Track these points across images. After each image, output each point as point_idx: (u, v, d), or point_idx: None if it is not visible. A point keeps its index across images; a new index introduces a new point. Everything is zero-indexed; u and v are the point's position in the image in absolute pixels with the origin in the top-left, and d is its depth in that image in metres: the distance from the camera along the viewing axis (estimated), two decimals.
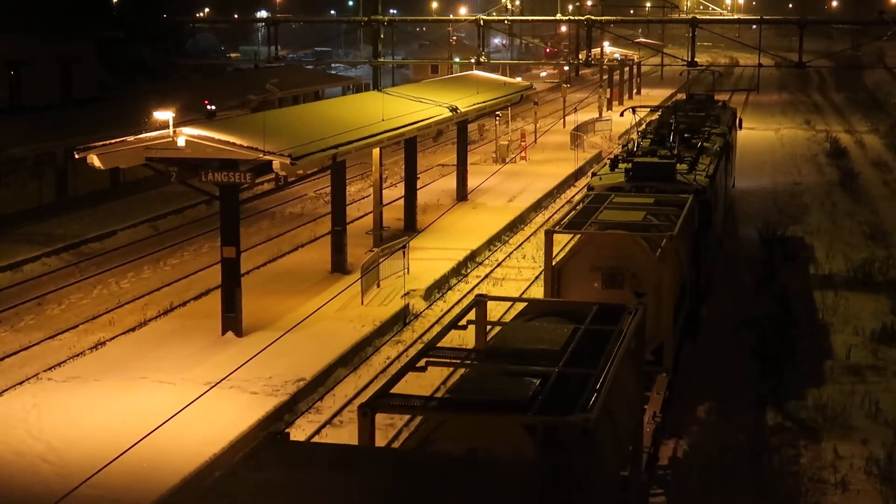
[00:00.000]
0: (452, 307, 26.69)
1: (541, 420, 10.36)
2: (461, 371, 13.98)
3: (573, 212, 20.42)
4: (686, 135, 30.66)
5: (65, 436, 18.43)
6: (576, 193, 43.29)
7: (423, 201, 37.91)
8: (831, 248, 33.22)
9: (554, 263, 18.96)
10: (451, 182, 41.76)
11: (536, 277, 28.98)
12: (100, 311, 26.44)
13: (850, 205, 41.17)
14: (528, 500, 8.41)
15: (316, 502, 8.23)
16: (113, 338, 24.07)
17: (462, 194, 40.17)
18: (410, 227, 34.46)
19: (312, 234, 34.45)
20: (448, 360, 13.17)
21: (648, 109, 42.02)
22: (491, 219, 36.41)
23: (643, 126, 34.82)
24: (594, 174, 26.38)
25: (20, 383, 21.17)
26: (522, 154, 50.67)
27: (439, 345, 12.69)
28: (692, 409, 20.36)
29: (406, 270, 28.20)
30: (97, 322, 25.46)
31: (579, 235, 19.29)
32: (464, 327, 13.46)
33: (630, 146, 28.80)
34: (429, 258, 30.29)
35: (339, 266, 29.36)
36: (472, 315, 13.56)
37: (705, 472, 17.59)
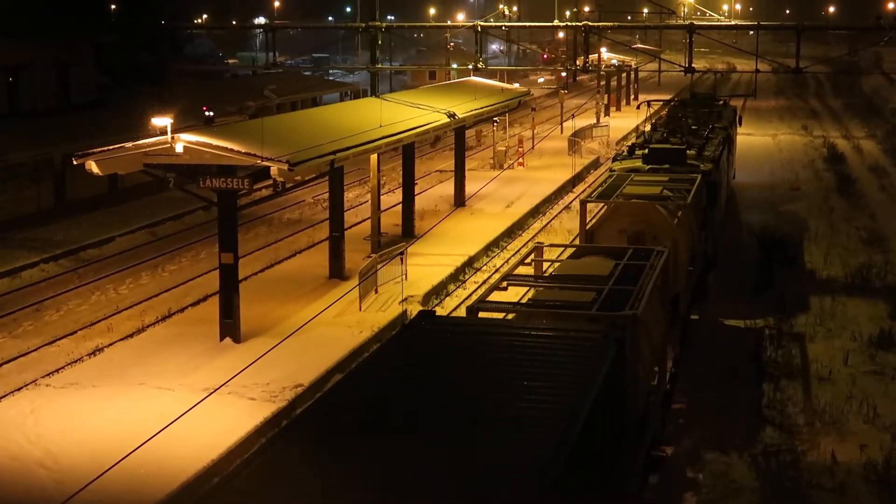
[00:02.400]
0: (451, 312, 26.69)
1: (602, 315, 14.35)
2: (533, 291, 17.71)
3: (600, 188, 24.38)
4: (693, 127, 34.82)
5: (63, 441, 18.43)
6: (573, 199, 43.36)
7: (421, 207, 37.92)
8: (829, 253, 33.25)
9: (588, 228, 22.79)
10: (448, 188, 41.78)
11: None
12: (98, 317, 26.42)
13: (848, 210, 41.21)
14: (599, 354, 12.23)
15: (467, 352, 12.30)
16: (111, 344, 24.06)
17: (460, 200, 40.18)
18: (408, 232, 34.47)
19: (310, 239, 34.45)
20: (523, 282, 17.61)
21: (661, 103, 50.61)
22: (489, 224, 36.42)
23: (654, 120, 40.75)
24: (614, 160, 30.53)
25: (18, 389, 21.15)
26: (520, 160, 50.70)
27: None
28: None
29: (404, 276, 28.20)
30: (95, 328, 25.44)
31: (609, 204, 22.92)
32: (528, 264, 18.63)
33: (645, 136, 33.34)
34: (427, 264, 30.30)
35: (337, 272, 29.36)
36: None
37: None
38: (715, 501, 16.91)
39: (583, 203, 23.37)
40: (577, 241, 24.63)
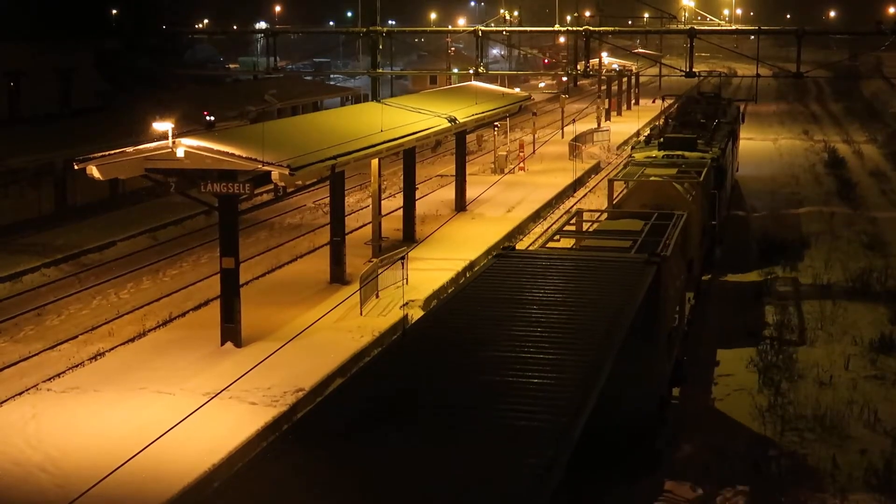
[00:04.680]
0: None
1: (639, 255, 17.88)
2: (580, 242, 21.46)
3: (624, 170, 29.07)
4: (702, 121, 38.97)
5: (64, 446, 18.43)
6: (574, 203, 43.38)
7: (422, 212, 37.93)
8: (830, 258, 33.26)
9: (615, 202, 26.40)
10: (449, 192, 41.79)
11: None
12: (99, 321, 26.44)
13: (849, 214, 41.21)
14: (644, 272, 16.59)
15: (546, 270, 16.89)
16: (112, 348, 24.07)
17: (461, 205, 40.20)
18: (409, 237, 34.48)
19: (311, 244, 34.46)
20: (572, 235, 21.90)
21: (673, 98, 60.36)
22: (489, 229, 36.42)
23: (666, 115, 47.36)
24: (633, 148, 35.69)
25: (19, 394, 21.16)
26: (521, 164, 50.71)
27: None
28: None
29: (405, 281, 28.21)
30: (96, 333, 25.46)
31: (632, 182, 26.60)
32: (573, 225, 22.80)
33: (659, 128, 38.80)
34: (428, 268, 30.30)
35: (338, 277, 29.37)
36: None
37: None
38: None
39: (610, 181, 27.94)
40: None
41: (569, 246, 21.85)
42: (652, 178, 26.53)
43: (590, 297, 15.13)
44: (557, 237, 21.33)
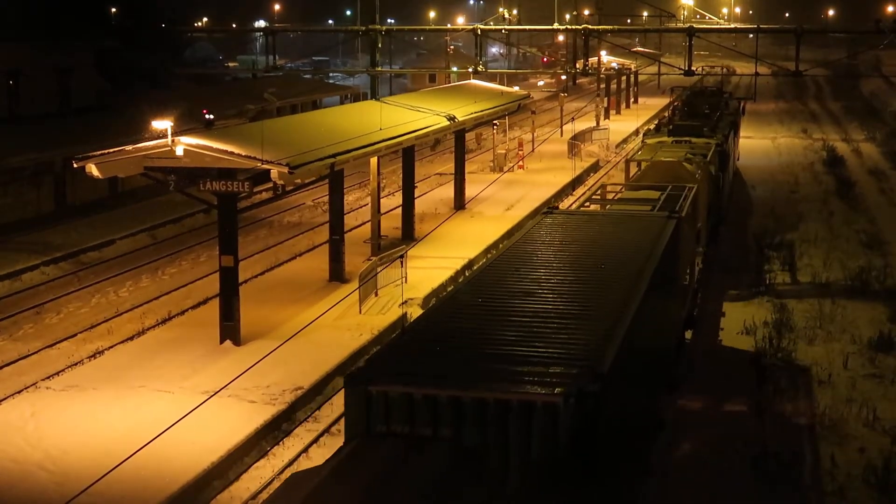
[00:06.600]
0: None
1: (661, 213, 21.11)
2: (606, 207, 24.60)
3: (639, 153, 32.44)
4: (706, 111, 43.09)
5: (63, 444, 18.44)
6: (573, 202, 43.41)
7: (421, 210, 37.93)
8: (829, 257, 33.29)
9: (631, 180, 29.50)
10: (448, 191, 41.81)
11: None
12: (98, 319, 26.44)
13: (848, 213, 41.24)
14: (665, 225, 19.86)
15: (587, 223, 20.72)
16: (111, 347, 24.07)
17: (460, 203, 40.21)
18: (408, 235, 34.49)
19: (310, 242, 34.47)
20: (599, 202, 25.34)
21: (682, 89, 65.72)
22: (489, 227, 36.44)
23: (674, 105, 53.08)
24: (645, 135, 39.93)
25: (18, 392, 21.17)
26: (520, 163, 50.72)
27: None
28: None
29: (404, 279, 28.22)
30: (95, 331, 25.46)
31: (646, 163, 29.92)
32: (598, 196, 26.67)
33: (668, 117, 44.20)
34: (427, 267, 30.31)
35: (338, 275, 29.38)
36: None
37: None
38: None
39: (627, 162, 32.21)
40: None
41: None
42: (664, 159, 29.42)
43: (626, 241, 18.54)
44: (588, 204, 25.21)
